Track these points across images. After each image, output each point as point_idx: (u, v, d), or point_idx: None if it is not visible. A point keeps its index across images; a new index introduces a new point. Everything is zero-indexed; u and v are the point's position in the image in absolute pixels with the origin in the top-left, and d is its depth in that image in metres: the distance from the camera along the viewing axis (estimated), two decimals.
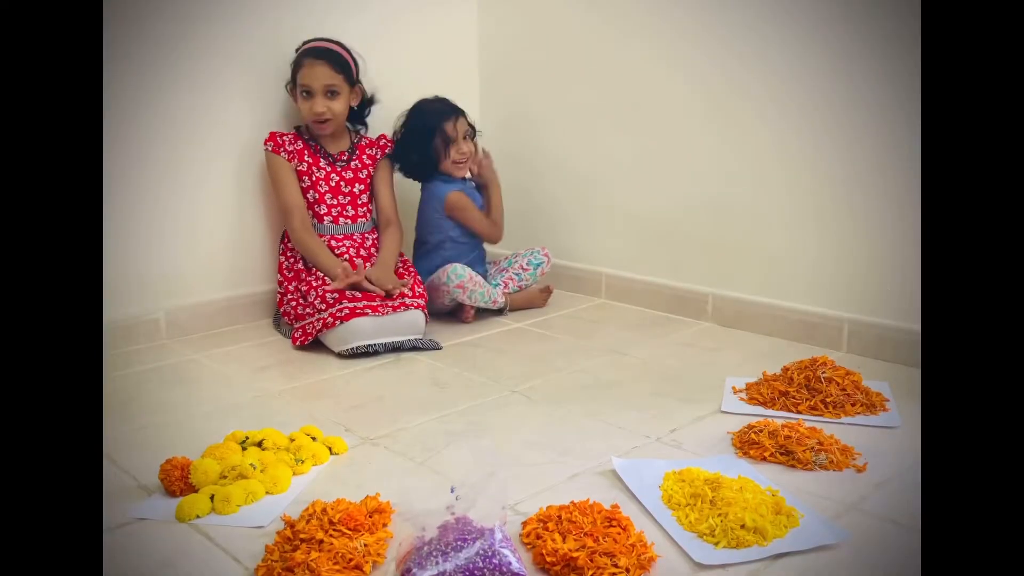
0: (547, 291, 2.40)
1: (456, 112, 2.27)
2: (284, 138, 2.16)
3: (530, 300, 2.37)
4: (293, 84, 2.15)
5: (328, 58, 2.11)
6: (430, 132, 2.24)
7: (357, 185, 2.21)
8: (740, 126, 2.09)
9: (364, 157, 2.24)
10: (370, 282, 2.04)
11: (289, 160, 2.15)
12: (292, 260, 2.16)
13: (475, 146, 2.32)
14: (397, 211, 2.28)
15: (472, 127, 2.31)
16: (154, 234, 2.09)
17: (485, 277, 2.37)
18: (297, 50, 2.14)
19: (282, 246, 2.20)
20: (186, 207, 2.13)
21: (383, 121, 2.32)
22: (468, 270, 2.21)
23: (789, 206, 2.03)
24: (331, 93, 2.11)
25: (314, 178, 2.17)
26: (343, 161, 2.21)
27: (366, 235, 2.22)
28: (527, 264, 2.38)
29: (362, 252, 2.18)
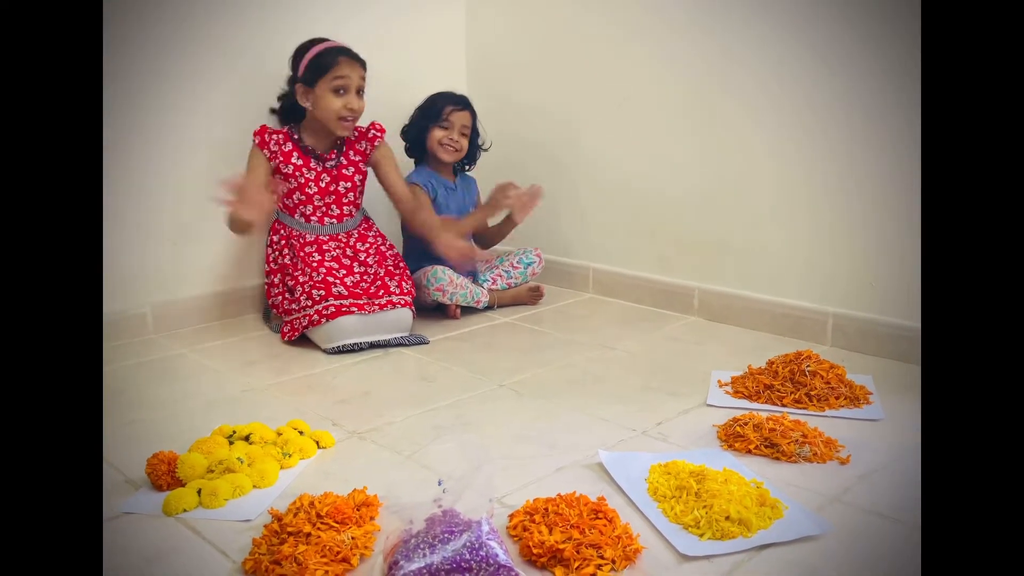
0: (537, 292, 2.39)
1: (462, 104, 2.31)
2: (274, 136, 2.13)
3: (517, 298, 2.37)
4: (309, 82, 2.08)
5: (360, 60, 2.12)
6: (430, 110, 2.31)
7: (343, 183, 2.19)
8: (727, 121, 2.10)
9: (351, 152, 2.22)
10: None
11: (271, 159, 2.12)
12: (278, 253, 2.16)
13: (467, 145, 2.33)
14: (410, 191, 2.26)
15: (475, 130, 2.35)
16: (140, 228, 2.08)
17: (475, 274, 2.37)
18: (306, 49, 2.10)
19: (268, 239, 2.20)
20: (172, 202, 2.13)
21: (370, 117, 2.32)
22: (449, 273, 2.21)
23: (775, 201, 2.04)
24: (360, 92, 2.12)
25: (302, 180, 2.15)
26: (333, 161, 2.19)
27: (352, 232, 2.21)
28: (517, 262, 2.38)
29: (348, 252, 2.17)
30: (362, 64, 2.13)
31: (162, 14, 2.01)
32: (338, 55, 2.09)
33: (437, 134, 2.29)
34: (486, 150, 2.45)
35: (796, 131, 1.97)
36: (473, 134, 2.36)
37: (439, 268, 2.21)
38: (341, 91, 2.08)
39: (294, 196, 2.15)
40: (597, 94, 2.36)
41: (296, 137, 2.16)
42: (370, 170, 2.25)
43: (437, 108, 2.30)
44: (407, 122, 2.35)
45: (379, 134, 2.25)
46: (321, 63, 2.08)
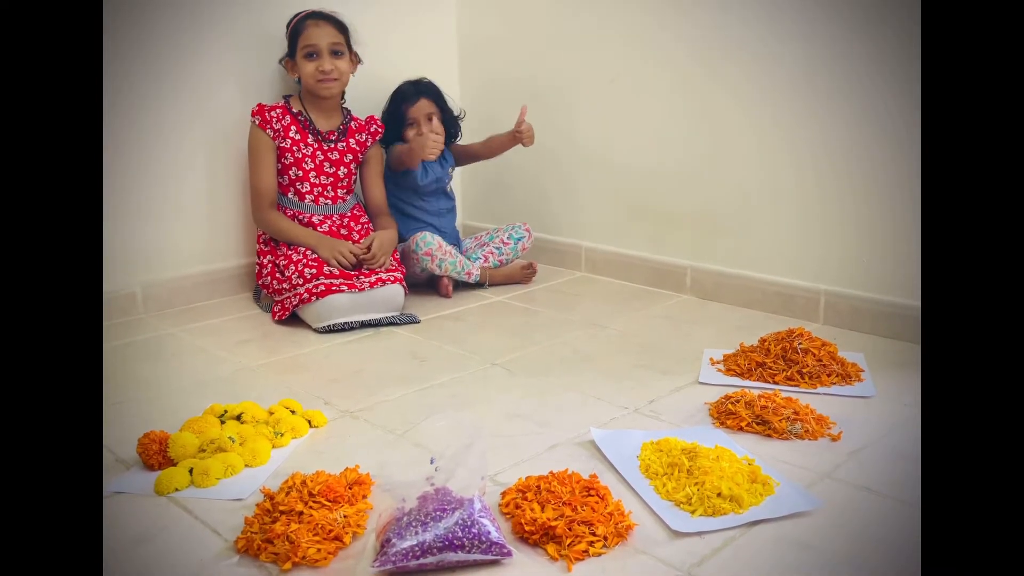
0: (530, 268, 2.38)
1: (417, 94, 2.26)
2: (272, 113, 2.10)
3: (510, 275, 2.36)
4: (291, 53, 2.10)
5: (330, 20, 2.11)
6: (396, 115, 2.28)
7: (342, 168, 2.17)
8: (720, 99, 2.08)
9: (352, 141, 2.20)
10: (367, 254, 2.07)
11: (274, 139, 2.10)
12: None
13: (444, 126, 2.28)
14: (387, 203, 2.27)
15: (442, 107, 2.29)
16: (131, 207, 2.07)
17: (459, 248, 2.36)
18: (289, 24, 2.11)
19: None
20: (163, 180, 2.11)
21: (367, 101, 2.29)
22: (437, 238, 2.21)
23: (767, 180, 2.04)
24: (336, 53, 2.10)
25: (299, 155, 2.12)
26: (331, 140, 2.17)
27: (345, 215, 2.20)
28: (507, 239, 2.37)
29: (342, 231, 2.16)
30: (335, 24, 2.10)
31: None
32: (305, 20, 2.09)
33: (410, 136, 2.25)
34: (462, 119, 2.40)
35: (790, 109, 1.96)
36: (443, 112, 2.30)
37: (427, 233, 2.20)
38: (313, 55, 2.08)
39: (290, 172, 2.13)
40: (589, 71, 2.34)
41: (295, 111, 2.14)
42: None
43: (400, 113, 2.26)
44: (385, 133, 2.29)
45: (380, 129, 2.24)
46: (293, 31, 2.10)
